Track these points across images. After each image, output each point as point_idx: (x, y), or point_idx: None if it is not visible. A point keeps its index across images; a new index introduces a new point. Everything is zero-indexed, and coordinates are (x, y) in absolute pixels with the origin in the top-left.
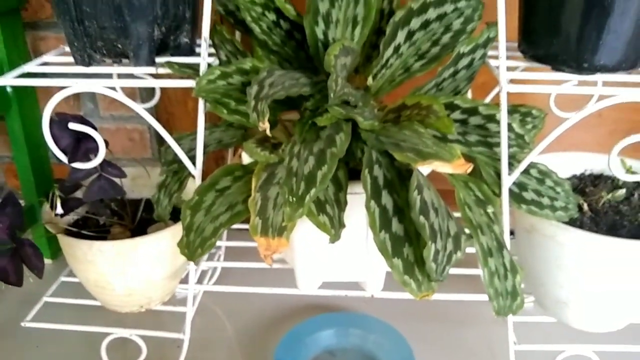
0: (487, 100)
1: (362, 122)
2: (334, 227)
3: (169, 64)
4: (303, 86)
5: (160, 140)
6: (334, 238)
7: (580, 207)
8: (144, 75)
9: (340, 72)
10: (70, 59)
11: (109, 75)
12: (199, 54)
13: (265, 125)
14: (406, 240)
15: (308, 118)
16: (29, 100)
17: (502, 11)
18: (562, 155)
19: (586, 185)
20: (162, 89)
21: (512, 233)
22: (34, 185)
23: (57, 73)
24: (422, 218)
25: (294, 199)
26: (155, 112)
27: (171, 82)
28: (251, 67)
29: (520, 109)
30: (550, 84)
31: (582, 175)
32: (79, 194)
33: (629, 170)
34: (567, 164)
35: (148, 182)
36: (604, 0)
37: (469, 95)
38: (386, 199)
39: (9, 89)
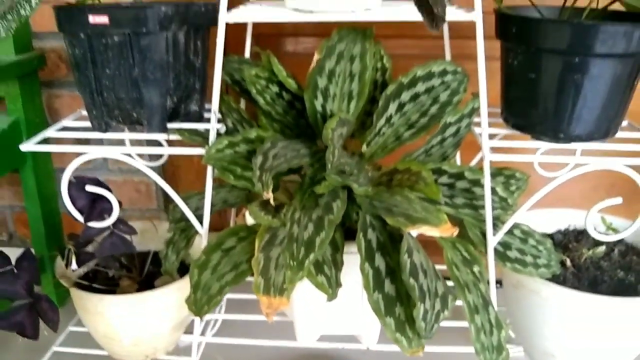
0: (475, 161)
1: (357, 188)
2: (331, 287)
3: (179, 132)
4: (303, 157)
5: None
6: (332, 297)
7: (563, 263)
8: (158, 140)
9: (337, 143)
10: (87, 123)
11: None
12: (208, 120)
13: (269, 195)
14: (398, 300)
15: (308, 186)
16: (42, 155)
17: (483, 87)
18: (547, 212)
19: (569, 240)
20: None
21: (499, 282)
22: (44, 236)
23: (76, 138)
24: (412, 280)
25: (295, 263)
26: (161, 165)
27: (182, 149)
28: (256, 137)
29: (504, 172)
30: (530, 153)
31: (566, 231)
32: (90, 247)
33: (609, 227)
34: (552, 220)
35: (155, 235)
36: (576, 79)
37: (458, 155)
38: (379, 261)
39: None
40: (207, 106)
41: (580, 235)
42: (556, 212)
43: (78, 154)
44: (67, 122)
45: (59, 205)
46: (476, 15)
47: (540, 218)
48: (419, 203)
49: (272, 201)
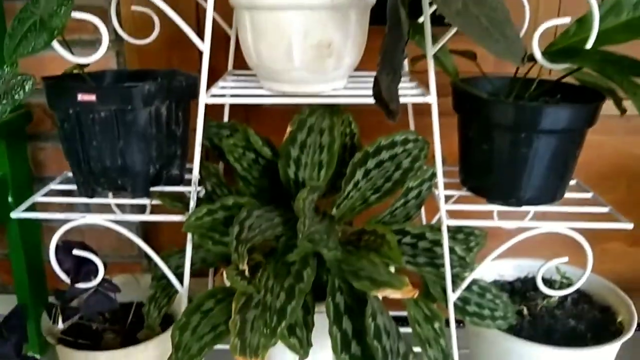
0: (437, 216)
1: (326, 253)
2: (303, 347)
3: (161, 198)
4: (277, 227)
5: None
6: (303, 356)
7: (520, 312)
8: (142, 202)
9: (308, 212)
10: (73, 186)
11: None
12: (188, 181)
13: (244, 267)
14: None
15: (281, 254)
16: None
17: (439, 158)
18: (507, 261)
19: (527, 289)
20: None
21: (461, 322)
22: (27, 285)
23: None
24: (375, 342)
25: (268, 330)
26: None
27: (164, 217)
28: (233, 203)
29: (464, 229)
30: (486, 218)
31: (525, 279)
32: (74, 301)
33: (563, 276)
34: (511, 268)
35: (138, 286)
36: (524, 152)
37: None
38: (346, 324)
39: (9, 199)
40: (188, 166)
41: None
42: (515, 262)
43: (65, 221)
44: (54, 185)
45: (42, 254)
46: (432, 99)
47: (500, 267)
48: (384, 267)
49: (247, 272)
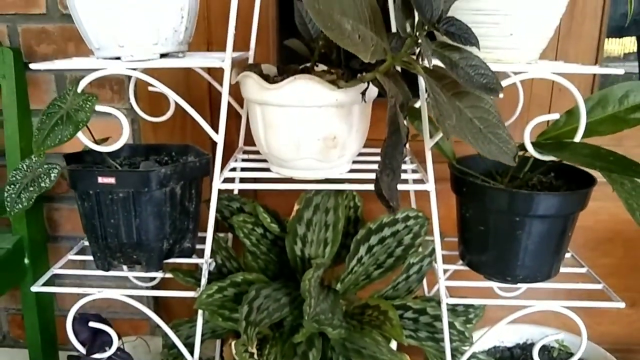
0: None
1: (331, 332)
2: None
3: (174, 273)
4: (284, 307)
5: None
6: None
7: None
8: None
9: (313, 292)
10: (89, 257)
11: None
12: (200, 251)
13: (253, 350)
14: None
15: (287, 335)
16: (42, 267)
17: (437, 238)
18: (507, 327)
19: (527, 357)
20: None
21: None
22: (40, 342)
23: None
24: None
25: None
26: None
27: (177, 293)
28: (242, 280)
29: (462, 302)
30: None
31: (525, 345)
32: None
33: (561, 345)
34: (512, 334)
35: (148, 351)
36: (518, 235)
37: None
38: None
39: (26, 261)
40: (200, 234)
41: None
42: (515, 327)
43: (81, 295)
44: (71, 255)
45: (54, 314)
46: (430, 187)
47: (500, 332)
48: (386, 345)
49: (255, 355)
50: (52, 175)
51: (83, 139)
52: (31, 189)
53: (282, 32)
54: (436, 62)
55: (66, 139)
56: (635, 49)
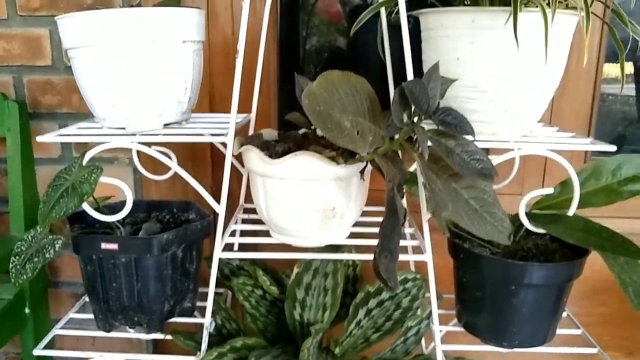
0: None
1: None
2: None
3: (174, 335)
4: None
5: None
6: None
7: None
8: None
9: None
10: (90, 315)
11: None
12: (200, 309)
13: None
14: None
15: None
16: (43, 315)
17: (434, 305)
18: None
19: None
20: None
21: None
22: None
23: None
24: None
25: None
26: None
27: (177, 357)
28: (242, 345)
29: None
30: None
31: None
32: None
33: None
34: None
35: None
36: (514, 302)
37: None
38: None
39: (27, 310)
40: (200, 291)
41: None
42: None
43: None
44: (72, 314)
45: None
46: (427, 257)
47: None
48: None
49: None
50: (57, 246)
51: (88, 210)
52: (35, 259)
53: (282, 86)
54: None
55: (71, 210)
56: (633, 71)
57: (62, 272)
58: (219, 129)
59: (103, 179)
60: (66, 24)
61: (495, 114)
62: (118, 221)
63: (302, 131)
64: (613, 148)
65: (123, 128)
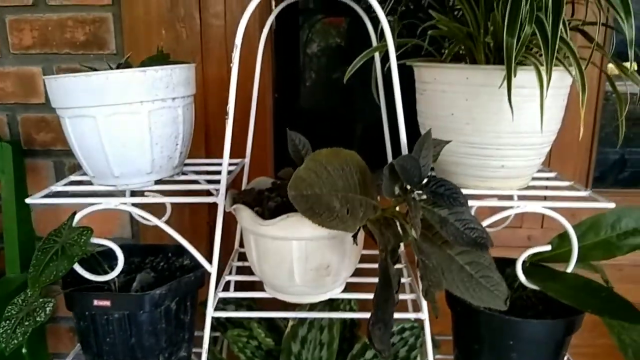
0: None
1: None
2: None
3: None
4: None
5: None
6: None
7: None
8: None
9: None
10: None
11: None
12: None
13: None
14: None
15: None
16: (40, 352)
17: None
18: None
19: None
20: None
21: None
22: None
23: None
24: None
25: None
26: None
27: None
28: None
29: None
30: None
31: None
32: None
33: None
34: None
35: None
36: (513, 356)
37: None
38: None
39: (24, 350)
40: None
41: None
42: None
43: None
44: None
45: None
46: (424, 315)
47: None
48: None
49: None
50: (48, 309)
51: (79, 270)
52: (26, 323)
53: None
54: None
55: (61, 273)
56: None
57: (60, 308)
58: (212, 181)
59: (94, 240)
60: (54, 85)
61: (492, 169)
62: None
63: None
64: (612, 205)
65: (114, 185)
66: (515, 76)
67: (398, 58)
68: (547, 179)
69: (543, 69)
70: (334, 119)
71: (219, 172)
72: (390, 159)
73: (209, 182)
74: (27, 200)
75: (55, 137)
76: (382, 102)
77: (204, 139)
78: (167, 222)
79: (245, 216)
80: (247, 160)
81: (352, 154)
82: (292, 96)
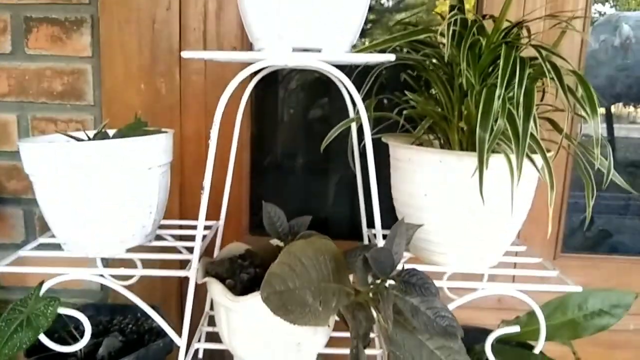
0: None
1: None
2: None
3: None
4: None
5: None
6: None
7: None
8: None
9: None
10: None
11: None
12: None
13: None
14: None
15: None
16: None
17: None
18: None
19: None
20: None
21: None
22: None
23: None
24: None
25: None
26: None
27: None
28: None
29: None
30: None
31: None
32: None
33: None
34: None
35: None
36: None
37: None
38: None
39: None
40: None
41: None
42: None
43: None
44: None
45: None
46: None
47: None
48: None
49: None
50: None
51: (44, 340)
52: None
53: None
54: None
55: (25, 345)
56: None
57: None
58: (185, 247)
59: (61, 310)
60: (26, 150)
61: (462, 248)
62: (79, 330)
63: (274, 242)
64: (579, 289)
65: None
66: (487, 169)
67: (374, 128)
68: (517, 253)
69: (514, 161)
70: (312, 170)
71: (192, 237)
72: (364, 227)
73: (184, 248)
74: None
75: (26, 186)
76: (358, 170)
77: (178, 197)
78: (137, 281)
79: (217, 291)
80: (221, 222)
81: (326, 242)
82: (269, 150)
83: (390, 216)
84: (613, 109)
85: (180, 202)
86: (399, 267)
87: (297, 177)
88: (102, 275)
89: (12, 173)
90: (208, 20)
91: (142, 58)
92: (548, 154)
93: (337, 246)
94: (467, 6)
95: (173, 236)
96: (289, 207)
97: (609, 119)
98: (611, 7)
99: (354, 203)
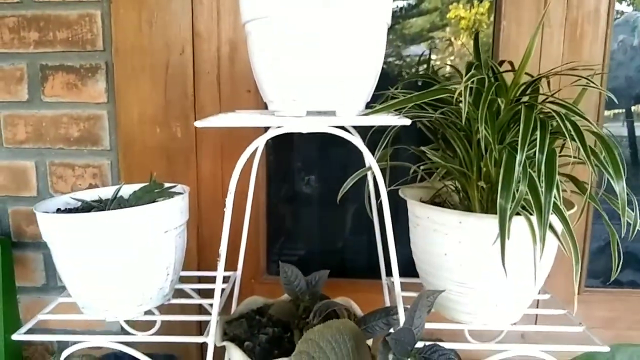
0: None
1: None
2: None
3: None
4: None
5: None
6: None
7: None
8: None
9: None
10: None
11: None
12: None
13: None
14: None
15: None
16: None
17: None
18: None
19: None
20: None
21: None
22: None
23: None
24: None
25: None
26: None
27: None
28: None
29: None
30: None
31: None
32: None
33: None
34: None
35: None
36: None
37: None
38: None
39: None
40: None
41: None
42: None
43: None
44: None
45: None
46: None
47: None
48: None
49: None
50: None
51: None
52: None
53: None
54: None
55: None
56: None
57: None
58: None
59: None
60: (42, 218)
61: (485, 308)
62: None
63: (291, 299)
64: (606, 349)
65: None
66: (509, 238)
67: (391, 173)
68: (539, 303)
69: (537, 233)
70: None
71: (211, 291)
72: (383, 276)
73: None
74: (14, 337)
75: None
76: (375, 219)
77: (195, 236)
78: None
79: (236, 357)
80: (238, 272)
81: (344, 322)
82: (285, 189)
83: (409, 261)
84: (633, 109)
85: (198, 255)
86: (420, 344)
87: (314, 214)
88: (119, 342)
89: (32, 218)
90: (221, 64)
91: (156, 103)
92: (570, 212)
93: (356, 286)
94: (480, 9)
95: (190, 291)
96: (305, 246)
97: (630, 121)
98: (628, 5)
99: (371, 242)
